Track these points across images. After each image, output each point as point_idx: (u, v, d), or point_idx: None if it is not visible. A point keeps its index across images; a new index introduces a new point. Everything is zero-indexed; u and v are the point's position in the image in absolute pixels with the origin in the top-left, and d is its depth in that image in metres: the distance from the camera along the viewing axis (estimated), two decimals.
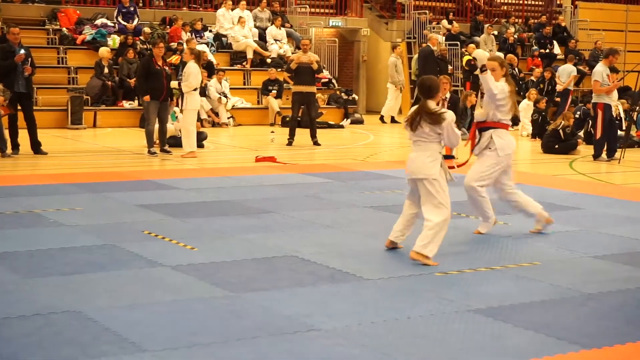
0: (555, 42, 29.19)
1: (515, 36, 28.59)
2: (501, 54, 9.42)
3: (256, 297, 6.29)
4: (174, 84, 15.61)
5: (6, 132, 14.77)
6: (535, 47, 28.46)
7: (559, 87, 23.94)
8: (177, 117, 16.86)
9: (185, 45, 20.16)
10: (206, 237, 8.40)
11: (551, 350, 5.23)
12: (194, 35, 23.64)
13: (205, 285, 6.63)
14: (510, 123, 8.87)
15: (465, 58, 23.84)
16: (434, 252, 7.44)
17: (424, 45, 23.73)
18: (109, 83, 21.27)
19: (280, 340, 5.33)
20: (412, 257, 7.45)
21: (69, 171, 13.29)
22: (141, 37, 23.01)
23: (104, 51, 21.55)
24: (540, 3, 33.31)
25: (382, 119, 24.91)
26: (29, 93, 15.08)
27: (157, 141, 15.69)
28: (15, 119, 14.87)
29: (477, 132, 8.83)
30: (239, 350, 5.14)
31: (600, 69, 15.73)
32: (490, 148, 8.65)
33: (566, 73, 24.08)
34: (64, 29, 22.91)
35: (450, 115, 7.57)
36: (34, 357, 4.97)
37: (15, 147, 14.93)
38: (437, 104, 7.79)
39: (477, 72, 8.87)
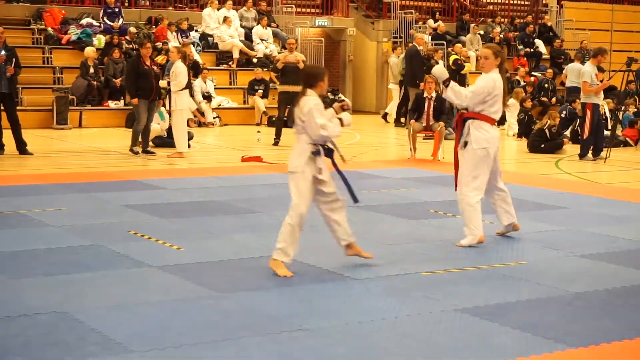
0: (540, 40, 29.27)
1: (501, 36, 28.65)
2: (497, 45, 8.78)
3: (242, 297, 6.28)
4: (162, 83, 15.56)
5: None
6: (520, 47, 28.53)
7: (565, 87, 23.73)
8: (165, 117, 16.82)
9: (170, 45, 20.10)
10: (192, 237, 8.38)
11: (538, 349, 5.24)
12: (180, 35, 23.60)
13: (191, 285, 6.62)
14: (495, 117, 8.28)
15: (452, 57, 23.86)
16: (288, 256, 6.94)
17: (410, 44, 23.74)
18: (95, 83, 21.21)
19: (266, 340, 5.32)
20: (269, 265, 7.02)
21: (55, 171, 13.25)
22: (127, 37, 22.95)
23: (89, 51, 21.48)
24: (526, 3, 33.39)
25: (385, 116, 24.71)
26: (12, 93, 15.00)
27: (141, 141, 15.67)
28: None
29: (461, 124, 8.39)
30: (225, 351, 5.13)
31: (589, 69, 15.76)
32: (467, 142, 8.26)
33: (575, 71, 23.71)
34: (49, 28, 22.83)
35: (313, 103, 6.92)
36: (20, 357, 4.95)
37: (0, 147, 14.87)
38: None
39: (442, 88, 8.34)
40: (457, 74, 23.56)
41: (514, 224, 8.67)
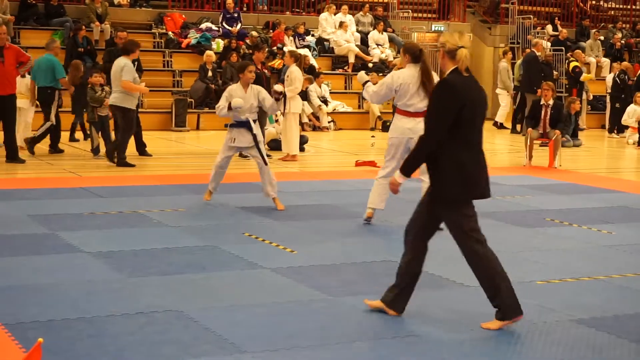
0: None
1: (623, 42, 27.99)
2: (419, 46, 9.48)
3: (355, 301, 6.29)
4: (278, 87, 15.69)
5: (112, 134, 15.07)
6: None
7: None
8: (276, 120, 16.97)
9: (286, 50, 20.25)
10: (306, 241, 8.44)
11: None
12: (297, 39, 23.78)
13: (304, 288, 6.66)
14: (407, 109, 8.88)
15: (572, 64, 23.40)
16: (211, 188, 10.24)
17: (528, 50, 23.40)
18: (213, 86, 21.54)
19: (378, 345, 5.32)
20: None
21: (173, 172, 13.50)
22: (247, 41, 23.20)
23: (208, 55, 21.84)
24: None
25: (497, 124, 24.11)
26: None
27: None
28: None
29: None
30: (337, 354, 5.15)
31: None
32: None
33: None
34: (170, 32, 23.31)
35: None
36: (138, 355, 5.07)
37: None
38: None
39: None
40: (577, 81, 23.10)
41: (368, 212, 9.29)
